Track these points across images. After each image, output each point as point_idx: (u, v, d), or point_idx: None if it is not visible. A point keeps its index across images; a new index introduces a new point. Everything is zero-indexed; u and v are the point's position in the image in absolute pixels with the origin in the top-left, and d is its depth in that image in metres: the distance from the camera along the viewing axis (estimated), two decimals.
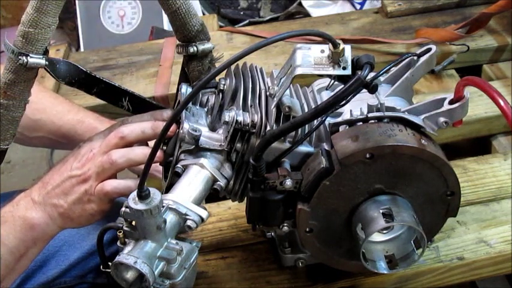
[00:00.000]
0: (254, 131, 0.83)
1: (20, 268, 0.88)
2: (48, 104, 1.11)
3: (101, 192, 0.85)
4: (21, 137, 1.08)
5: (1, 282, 0.85)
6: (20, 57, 0.76)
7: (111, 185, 0.85)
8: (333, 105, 0.76)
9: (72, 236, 1.06)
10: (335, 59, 0.76)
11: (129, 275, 0.73)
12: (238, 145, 0.85)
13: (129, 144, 0.87)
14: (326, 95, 0.92)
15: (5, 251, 0.84)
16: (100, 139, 0.89)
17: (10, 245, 0.84)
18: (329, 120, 0.85)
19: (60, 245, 1.05)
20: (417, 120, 0.84)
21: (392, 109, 0.85)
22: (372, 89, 0.76)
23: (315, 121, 0.82)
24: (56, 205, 0.86)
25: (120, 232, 0.77)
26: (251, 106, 0.86)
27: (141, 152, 0.86)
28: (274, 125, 0.83)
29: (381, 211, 0.82)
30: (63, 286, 1.06)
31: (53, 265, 1.05)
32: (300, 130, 0.84)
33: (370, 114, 0.84)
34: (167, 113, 0.92)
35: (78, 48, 2.23)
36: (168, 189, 0.84)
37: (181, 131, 0.84)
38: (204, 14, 2.27)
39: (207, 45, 0.89)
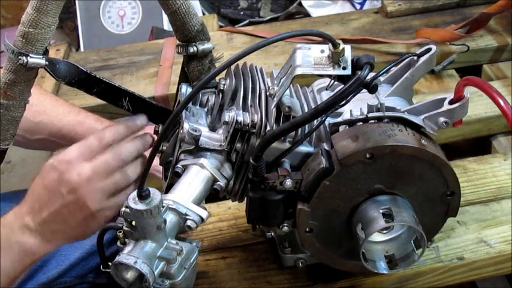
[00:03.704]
0: (254, 131, 0.83)
1: (14, 284, 0.87)
2: (49, 106, 1.11)
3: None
4: (23, 140, 1.08)
5: None
6: (20, 57, 0.76)
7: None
8: (332, 105, 0.76)
9: None
10: (335, 59, 0.76)
11: (129, 275, 0.73)
12: (238, 145, 0.85)
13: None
14: (326, 95, 0.92)
15: (1, 273, 0.83)
16: (81, 158, 0.84)
17: (6, 270, 0.83)
18: (329, 120, 0.85)
19: None
20: (417, 120, 0.84)
21: (393, 109, 0.85)
22: (372, 89, 0.76)
23: (315, 121, 0.82)
24: (56, 231, 0.84)
25: (120, 232, 0.77)
26: (251, 106, 0.86)
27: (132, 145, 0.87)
28: (274, 125, 0.83)
29: (381, 211, 0.82)
30: (63, 286, 1.06)
31: (53, 265, 1.05)
32: (300, 130, 0.84)
33: (370, 114, 0.84)
34: (141, 121, 0.92)
35: (78, 48, 2.23)
36: (168, 189, 0.84)
37: (181, 131, 0.84)
38: (204, 14, 2.27)
39: (207, 45, 0.89)
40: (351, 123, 0.85)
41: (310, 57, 0.78)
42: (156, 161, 0.84)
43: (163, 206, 0.75)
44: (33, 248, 0.84)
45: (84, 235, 0.87)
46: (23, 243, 0.84)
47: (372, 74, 0.77)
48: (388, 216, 0.81)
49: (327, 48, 0.77)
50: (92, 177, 0.83)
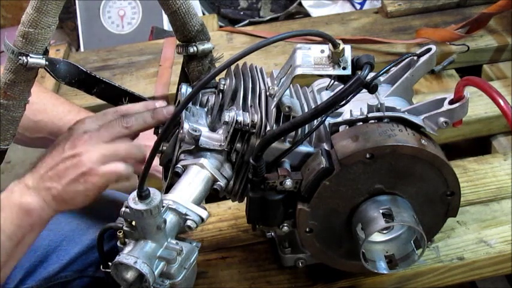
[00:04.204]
0: (254, 131, 0.83)
1: (17, 254, 0.87)
2: (49, 105, 1.11)
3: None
4: (23, 138, 1.08)
5: (1, 269, 0.84)
6: (20, 57, 0.76)
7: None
8: (332, 105, 0.76)
9: (72, 231, 1.06)
10: (335, 59, 0.76)
11: (129, 275, 0.73)
12: (238, 145, 0.85)
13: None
14: (326, 95, 0.92)
15: (3, 237, 0.83)
16: (93, 123, 0.88)
17: (8, 232, 0.83)
18: (329, 120, 0.85)
19: (60, 240, 1.05)
20: (417, 120, 0.84)
21: (393, 109, 0.85)
22: (372, 89, 0.76)
23: (315, 121, 0.82)
24: (49, 188, 0.85)
25: (120, 232, 0.77)
26: (251, 106, 0.86)
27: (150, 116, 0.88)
28: (274, 125, 0.83)
29: (381, 211, 0.82)
30: (63, 280, 1.06)
31: (54, 260, 1.05)
32: (300, 130, 0.84)
33: (370, 114, 0.84)
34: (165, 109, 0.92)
35: (78, 48, 2.23)
36: (168, 189, 0.84)
37: (181, 131, 0.84)
38: (204, 14, 2.27)
39: (207, 45, 0.89)
40: (351, 123, 0.85)
41: (310, 57, 0.78)
42: (156, 161, 0.84)
43: (163, 206, 0.75)
44: (30, 205, 0.84)
45: (73, 201, 0.86)
46: (20, 202, 0.84)
47: (372, 74, 0.77)
48: (388, 216, 0.81)
49: (327, 48, 0.77)
50: (94, 136, 0.85)
